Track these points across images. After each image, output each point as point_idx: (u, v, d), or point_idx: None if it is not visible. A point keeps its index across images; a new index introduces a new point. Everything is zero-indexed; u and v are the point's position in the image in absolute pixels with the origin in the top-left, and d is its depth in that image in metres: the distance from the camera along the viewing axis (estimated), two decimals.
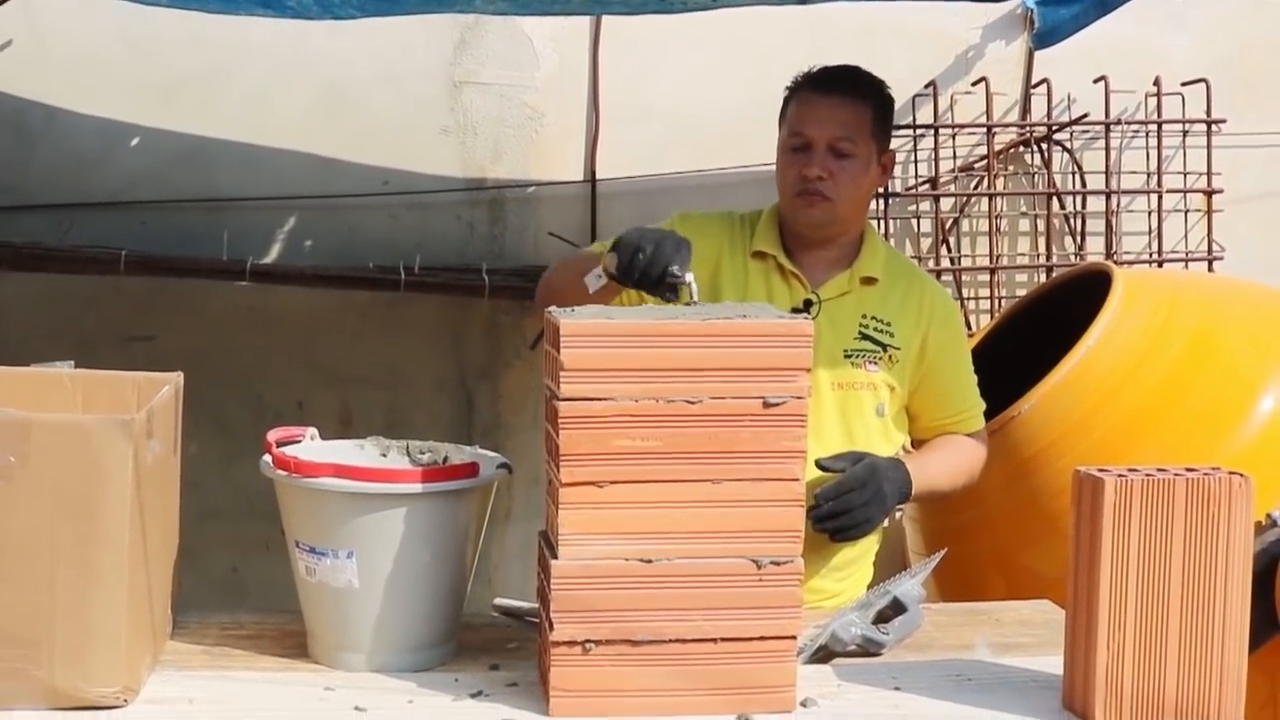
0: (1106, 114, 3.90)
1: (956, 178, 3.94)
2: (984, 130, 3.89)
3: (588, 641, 1.78)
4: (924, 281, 2.63)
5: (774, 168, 2.57)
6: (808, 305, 2.50)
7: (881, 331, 2.50)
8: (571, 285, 2.30)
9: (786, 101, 2.56)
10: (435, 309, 3.79)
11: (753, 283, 2.51)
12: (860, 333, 2.51)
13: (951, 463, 2.57)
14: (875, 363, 2.50)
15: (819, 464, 2.33)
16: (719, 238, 2.54)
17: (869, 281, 2.53)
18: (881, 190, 3.84)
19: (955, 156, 3.92)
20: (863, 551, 2.54)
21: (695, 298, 2.07)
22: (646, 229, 2.18)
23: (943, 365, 2.56)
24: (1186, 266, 3.96)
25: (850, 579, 2.53)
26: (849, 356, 2.49)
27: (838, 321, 2.50)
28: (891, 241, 3.85)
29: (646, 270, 2.10)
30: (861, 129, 2.49)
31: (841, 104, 2.49)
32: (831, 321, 2.49)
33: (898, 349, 2.50)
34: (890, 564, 4.02)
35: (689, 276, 2.07)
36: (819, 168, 2.46)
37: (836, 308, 2.50)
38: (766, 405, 1.79)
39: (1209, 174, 3.93)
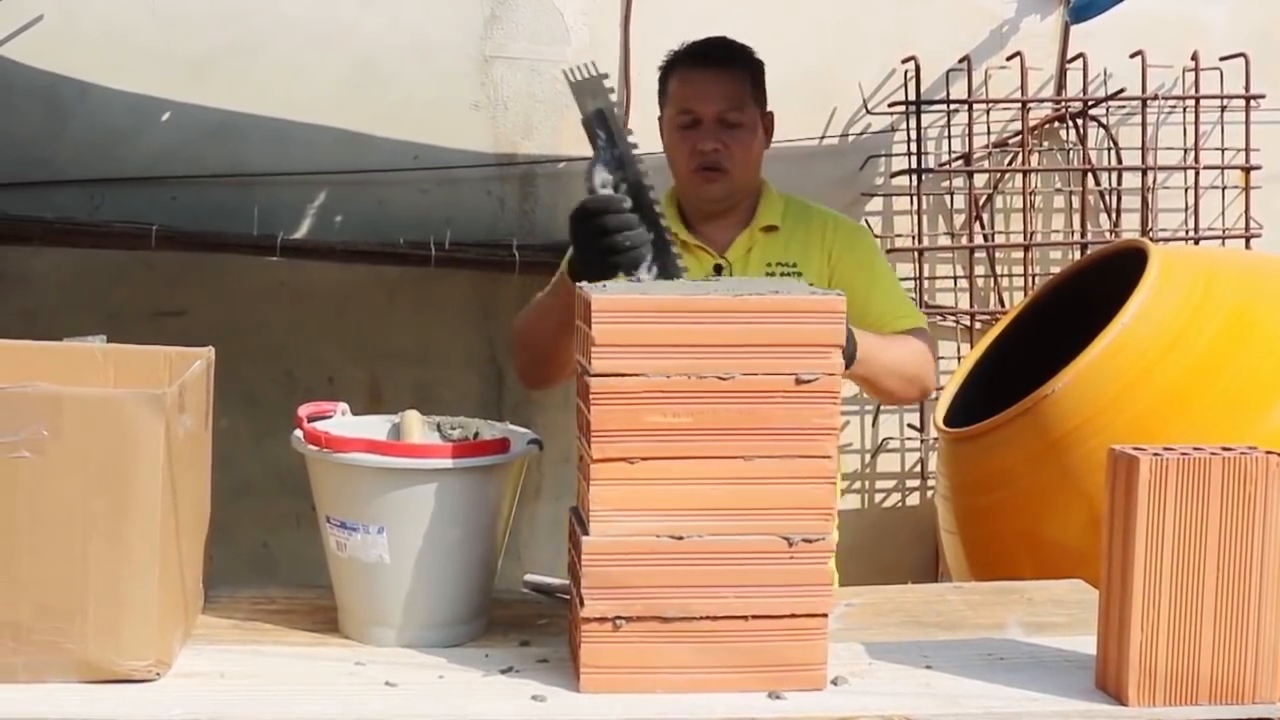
0: (1143, 89, 3.86)
1: (990, 153, 3.91)
2: (1019, 105, 3.85)
3: (618, 618, 1.78)
4: (824, 216, 2.65)
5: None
6: (719, 270, 2.54)
7: (788, 274, 2.52)
8: (534, 324, 2.47)
9: (664, 79, 2.59)
10: (466, 285, 3.79)
11: None
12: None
13: (894, 342, 2.44)
14: None
15: None
16: None
17: (770, 230, 2.57)
18: (914, 166, 3.82)
19: (989, 132, 3.89)
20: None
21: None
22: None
23: (855, 285, 2.45)
24: (1224, 243, 3.92)
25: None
26: None
27: (748, 276, 2.52)
28: (924, 219, 3.84)
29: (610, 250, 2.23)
30: (744, 97, 2.54)
31: (723, 76, 2.54)
32: (743, 277, 2.50)
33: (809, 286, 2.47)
34: (920, 543, 4.03)
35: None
36: (712, 140, 2.51)
37: (744, 264, 2.55)
38: (799, 382, 1.78)
39: (1247, 150, 3.89)
